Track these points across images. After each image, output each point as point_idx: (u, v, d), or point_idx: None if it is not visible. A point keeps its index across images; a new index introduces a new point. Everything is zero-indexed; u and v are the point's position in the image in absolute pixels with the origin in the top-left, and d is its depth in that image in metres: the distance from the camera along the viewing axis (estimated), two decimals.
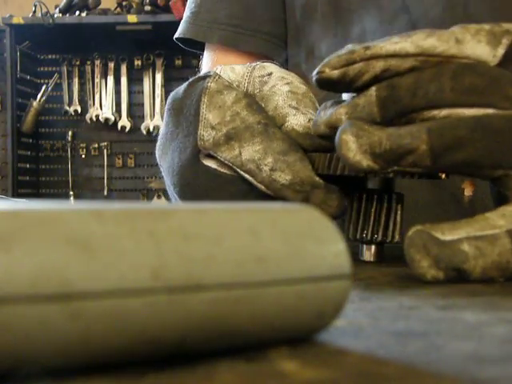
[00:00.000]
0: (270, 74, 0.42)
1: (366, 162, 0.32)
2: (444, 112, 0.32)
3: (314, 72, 0.34)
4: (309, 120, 0.40)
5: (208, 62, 0.67)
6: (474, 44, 0.33)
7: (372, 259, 0.40)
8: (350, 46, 0.34)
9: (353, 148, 0.32)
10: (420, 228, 0.30)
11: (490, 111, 0.32)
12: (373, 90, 0.33)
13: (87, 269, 0.15)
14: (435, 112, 0.32)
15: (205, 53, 0.68)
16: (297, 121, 0.40)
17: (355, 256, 0.41)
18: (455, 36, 0.33)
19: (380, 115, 0.33)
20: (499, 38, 0.33)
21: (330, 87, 0.34)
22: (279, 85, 0.42)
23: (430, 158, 0.31)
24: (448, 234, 0.30)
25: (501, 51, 0.33)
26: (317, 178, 0.38)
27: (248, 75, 0.43)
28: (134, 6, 2.52)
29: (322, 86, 0.34)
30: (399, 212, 0.39)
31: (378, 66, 0.33)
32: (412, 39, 0.33)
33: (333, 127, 0.34)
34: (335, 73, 0.33)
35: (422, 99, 0.32)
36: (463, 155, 0.31)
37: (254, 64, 0.44)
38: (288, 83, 0.42)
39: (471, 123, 0.31)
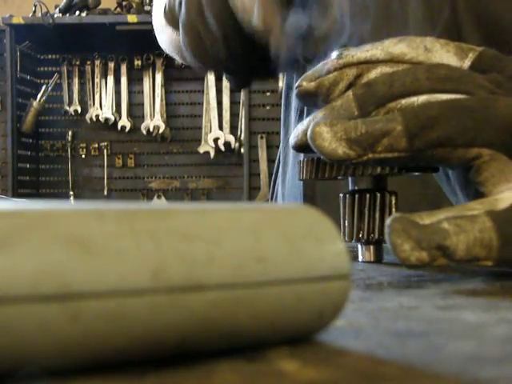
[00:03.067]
0: None
1: (341, 150, 0.32)
2: (422, 98, 0.33)
3: (294, 90, 0.36)
4: None
5: None
6: (443, 53, 0.35)
7: (372, 259, 0.40)
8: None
9: (327, 137, 0.32)
10: (398, 215, 0.30)
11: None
12: (349, 91, 0.34)
13: (87, 269, 0.15)
14: (413, 99, 0.33)
15: None
16: None
17: (355, 257, 0.41)
18: (424, 44, 0.35)
19: (358, 109, 0.34)
20: (466, 52, 0.35)
21: (310, 100, 0.36)
22: None
23: (406, 138, 0.32)
24: (427, 218, 0.30)
25: (468, 63, 0.35)
26: None
27: None
28: (134, 5, 2.52)
29: (302, 100, 0.37)
30: (394, 209, 0.39)
31: (352, 73, 0.35)
32: (382, 46, 0.35)
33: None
34: (312, 85, 0.35)
35: (398, 88, 0.33)
36: (438, 133, 0.32)
37: None
38: None
39: (445, 103, 0.32)
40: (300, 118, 0.64)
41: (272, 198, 0.74)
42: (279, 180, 0.72)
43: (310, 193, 0.65)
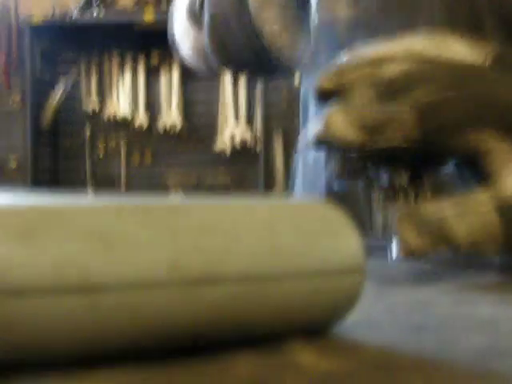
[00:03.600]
0: None
1: (353, 135, 0.33)
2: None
3: (314, 89, 0.37)
4: None
5: None
6: (460, 50, 0.36)
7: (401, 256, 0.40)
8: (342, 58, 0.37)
9: (339, 124, 0.33)
10: (404, 204, 0.31)
11: None
12: (368, 89, 0.35)
13: (106, 262, 0.15)
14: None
15: None
16: None
17: (382, 253, 0.41)
18: (442, 41, 0.36)
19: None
20: (483, 50, 0.36)
21: (329, 100, 0.37)
22: None
23: (415, 122, 0.32)
24: (430, 206, 0.31)
25: (485, 60, 0.35)
26: None
27: None
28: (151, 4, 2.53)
29: (321, 100, 0.37)
30: None
31: (370, 70, 0.35)
32: (400, 43, 0.36)
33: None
34: (330, 84, 0.36)
35: (415, 87, 0.34)
36: (445, 117, 0.32)
37: None
38: None
39: (452, 89, 0.33)
40: None
41: (291, 190, 0.74)
42: (299, 171, 0.72)
43: (331, 187, 0.64)
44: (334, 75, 0.36)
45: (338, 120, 0.33)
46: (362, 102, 0.34)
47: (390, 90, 0.34)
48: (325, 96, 0.36)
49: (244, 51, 0.59)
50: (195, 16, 0.62)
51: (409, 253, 0.30)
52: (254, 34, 0.58)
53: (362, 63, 0.35)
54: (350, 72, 0.36)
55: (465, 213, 0.30)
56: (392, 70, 0.35)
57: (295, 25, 0.56)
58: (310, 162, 0.68)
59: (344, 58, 0.37)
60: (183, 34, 0.68)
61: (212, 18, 0.59)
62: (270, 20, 0.56)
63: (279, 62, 0.59)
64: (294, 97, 2.60)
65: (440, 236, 0.30)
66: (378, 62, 0.35)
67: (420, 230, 0.30)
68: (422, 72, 0.34)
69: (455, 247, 0.30)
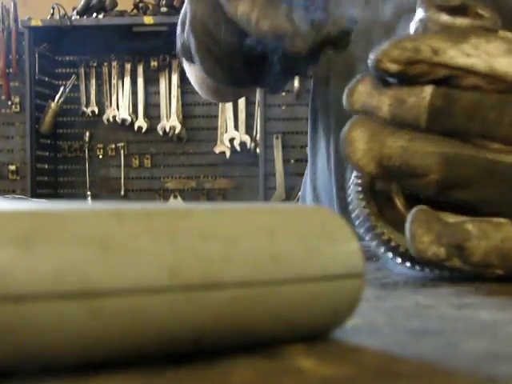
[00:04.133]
0: None
1: (369, 168, 0.31)
2: (495, 146, 0.30)
3: (371, 56, 0.32)
4: None
5: None
6: None
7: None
8: (413, 38, 0.32)
9: (360, 150, 0.30)
10: (424, 207, 0.29)
11: None
12: (427, 93, 0.31)
13: (106, 267, 0.15)
14: (486, 142, 0.31)
15: None
16: None
17: (370, 256, 0.41)
18: None
19: (427, 124, 0.31)
20: None
21: (385, 75, 0.32)
22: None
23: (436, 188, 0.30)
24: (451, 217, 0.30)
25: None
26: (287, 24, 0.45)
27: None
28: (150, 7, 2.54)
29: (376, 72, 0.32)
30: None
31: (442, 73, 0.31)
32: (487, 55, 0.31)
33: (369, 112, 0.32)
34: (393, 67, 0.31)
35: (476, 125, 0.30)
36: (468, 196, 0.30)
37: None
38: None
39: (486, 166, 0.30)
40: (328, 132, 0.63)
41: (300, 197, 0.73)
42: (308, 176, 0.71)
43: (341, 186, 0.63)
44: (402, 58, 0.31)
45: (360, 143, 0.30)
46: (414, 116, 0.30)
47: (449, 118, 0.30)
48: (382, 72, 0.31)
49: (233, 55, 0.57)
50: (189, 52, 0.61)
51: (421, 259, 0.29)
52: (233, 31, 0.56)
53: (439, 63, 0.31)
54: (420, 64, 0.31)
55: (486, 234, 0.29)
56: (467, 83, 0.31)
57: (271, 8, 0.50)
58: (319, 171, 0.68)
59: (419, 44, 0.31)
60: (188, 73, 0.68)
61: (193, 31, 0.57)
62: (244, 9, 0.50)
63: (270, 54, 0.57)
64: (293, 99, 2.61)
65: (456, 251, 0.29)
66: (457, 70, 0.31)
67: (439, 239, 0.29)
68: (491, 111, 0.30)
69: (467, 264, 0.29)
